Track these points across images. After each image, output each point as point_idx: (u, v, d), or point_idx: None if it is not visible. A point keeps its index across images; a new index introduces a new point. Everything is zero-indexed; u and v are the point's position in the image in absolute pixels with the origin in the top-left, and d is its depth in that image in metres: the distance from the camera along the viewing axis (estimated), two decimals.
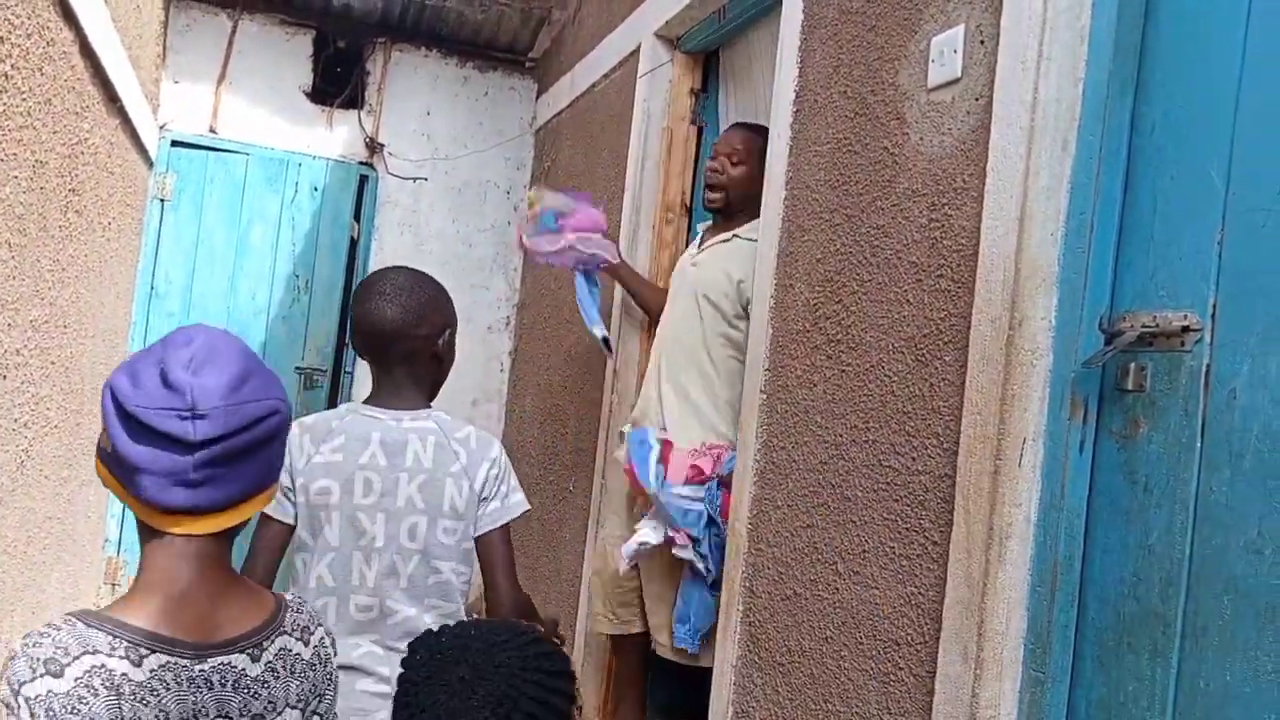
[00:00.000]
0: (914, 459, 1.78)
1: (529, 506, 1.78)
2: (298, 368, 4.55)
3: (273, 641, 1.05)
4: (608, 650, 3.13)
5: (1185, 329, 1.39)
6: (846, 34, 2.14)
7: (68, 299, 2.87)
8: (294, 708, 1.05)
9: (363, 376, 4.63)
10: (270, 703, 1.03)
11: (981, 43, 1.72)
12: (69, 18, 2.49)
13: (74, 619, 0.96)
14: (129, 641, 0.95)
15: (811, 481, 2.08)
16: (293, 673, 1.06)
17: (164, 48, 4.36)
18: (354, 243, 4.72)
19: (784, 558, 2.15)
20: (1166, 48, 1.51)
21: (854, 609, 1.89)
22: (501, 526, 1.71)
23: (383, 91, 4.73)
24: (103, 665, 0.92)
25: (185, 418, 0.97)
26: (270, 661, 1.04)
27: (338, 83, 4.67)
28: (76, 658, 0.92)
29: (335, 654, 1.15)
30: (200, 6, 4.46)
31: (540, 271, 4.56)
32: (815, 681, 1.98)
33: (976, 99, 1.72)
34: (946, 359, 1.72)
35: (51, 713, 0.89)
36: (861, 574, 1.88)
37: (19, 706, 0.89)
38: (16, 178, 2.22)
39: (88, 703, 0.90)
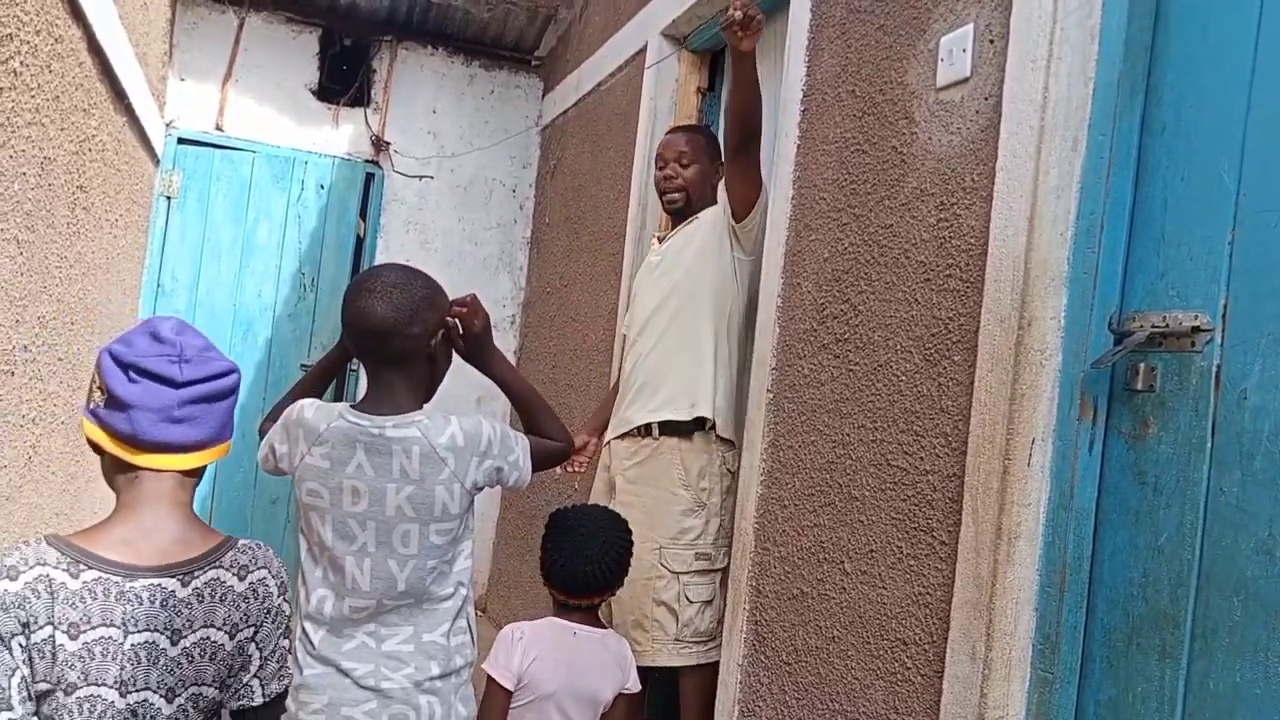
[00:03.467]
0: (922, 458, 1.77)
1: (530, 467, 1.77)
2: (303, 365, 4.55)
3: (205, 572, 1.28)
4: None
5: (1196, 329, 1.39)
6: (855, 33, 2.14)
7: (75, 295, 2.88)
8: (218, 629, 1.27)
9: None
10: (189, 620, 1.25)
11: (991, 42, 1.71)
12: (77, 15, 2.49)
13: (42, 539, 1.22)
14: (71, 559, 1.21)
15: (818, 481, 2.08)
16: (221, 600, 1.28)
17: (170, 45, 4.36)
18: (360, 241, 4.73)
19: (790, 557, 2.15)
20: (1178, 48, 1.50)
21: (861, 608, 1.89)
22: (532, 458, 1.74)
23: (389, 89, 4.73)
24: (47, 575, 1.19)
25: (174, 361, 1.28)
26: (199, 588, 1.27)
27: (344, 81, 4.67)
28: (31, 567, 1.19)
29: (281, 596, 1.36)
30: (207, 4, 4.46)
31: (546, 270, 4.56)
32: (822, 681, 1.97)
33: (986, 98, 1.71)
34: (955, 358, 1.72)
35: (4, 606, 1.16)
36: (869, 573, 1.88)
37: None
38: (25, 174, 2.23)
39: (30, 601, 1.17)
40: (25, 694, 1.16)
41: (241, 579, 1.30)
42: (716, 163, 2.76)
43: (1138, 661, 1.43)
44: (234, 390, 1.33)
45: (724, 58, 3.28)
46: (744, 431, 2.44)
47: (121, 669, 1.20)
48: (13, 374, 2.31)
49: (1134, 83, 1.53)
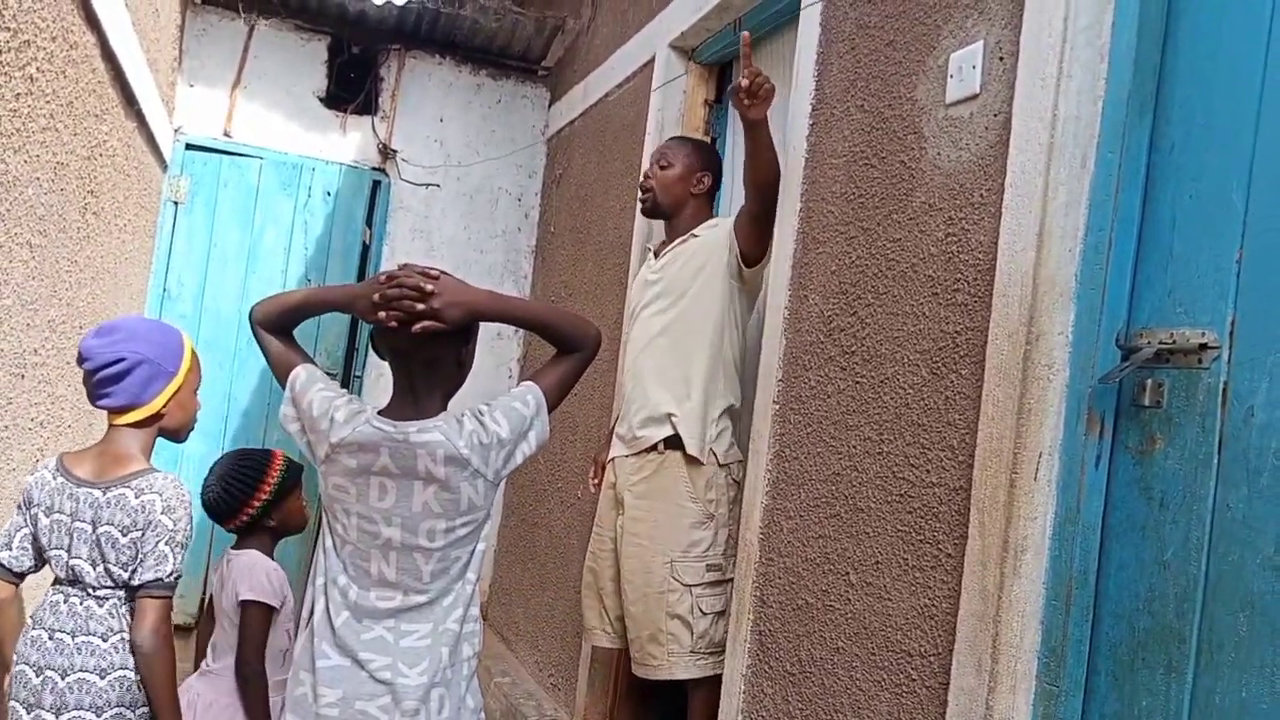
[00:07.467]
0: (928, 471, 1.78)
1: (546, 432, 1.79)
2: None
3: (116, 488, 1.83)
4: (614, 663, 3.12)
5: (1203, 346, 1.40)
6: (864, 48, 2.15)
7: (84, 300, 2.89)
8: (115, 526, 1.81)
9: (371, 381, 4.65)
10: (100, 517, 1.82)
11: (1001, 59, 1.73)
12: (91, 22, 2.51)
13: (56, 455, 1.90)
14: (54, 469, 1.87)
15: (824, 492, 2.09)
16: (120, 507, 1.82)
17: (180, 51, 4.39)
18: (366, 248, 4.74)
19: (795, 568, 2.15)
20: (1187, 66, 1.52)
21: (866, 620, 1.89)
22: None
23: (396, 98, 4.75)
24: (43, 476, 1.87)
25: (82, 359, 1.84)
26: (111, 497, 1.82)
27: (352, 88, 4.69)
28: (39, 470, 1.89)
29: (165, 515, 1.82)
30: (217, 11, 4.48)
31: (550, 279, 4.57)
32: (826, 692, 1.98)
33: (995, 115, 1.73)
34: (962, 372, 1.73)
35: (23, 489, 1.89)
36: (874, 585, 1.88)
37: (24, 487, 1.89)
38: (39, 179, 2.24)
39: (32, 489, 1.86)
40: (24, 545, 1.86)
41: (137, 496, 1.82)
42: (700, 173, 2.75)
43: (1143, 676, 1.43)
44: (124, 372, 1.83)
45: (731, 70, 3.30)
46: (749, 443, 2.45)
47: (66, 541, 1.83)
48: (23, 377, 2.33)
49: (1143, 101, 1.55)
